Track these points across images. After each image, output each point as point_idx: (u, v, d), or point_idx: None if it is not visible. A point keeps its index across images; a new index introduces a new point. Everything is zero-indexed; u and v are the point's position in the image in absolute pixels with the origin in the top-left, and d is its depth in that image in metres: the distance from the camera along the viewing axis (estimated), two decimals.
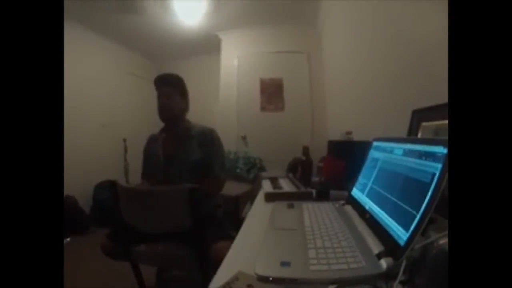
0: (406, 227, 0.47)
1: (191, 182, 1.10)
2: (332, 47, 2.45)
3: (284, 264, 0.50)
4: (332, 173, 1.17)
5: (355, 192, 0.83)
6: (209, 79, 4.04)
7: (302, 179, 1.33)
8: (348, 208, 0.82)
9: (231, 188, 2.72)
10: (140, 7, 2.74)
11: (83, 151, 3.19)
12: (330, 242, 0.57)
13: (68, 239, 2.54)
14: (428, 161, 0.49)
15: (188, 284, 1.63)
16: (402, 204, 0.52)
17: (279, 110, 3.34)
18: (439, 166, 0.45)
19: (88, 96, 3.31)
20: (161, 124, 1.49)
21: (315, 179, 1.35)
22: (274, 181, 1.37)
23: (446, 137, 0.41)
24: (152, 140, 1.51)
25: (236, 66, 3.48)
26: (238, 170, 3.25)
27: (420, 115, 0.88)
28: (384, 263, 0.46)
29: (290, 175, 1.46)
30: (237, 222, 1.95)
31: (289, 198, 1.04)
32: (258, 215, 0.94)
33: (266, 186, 1.25)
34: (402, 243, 0.46)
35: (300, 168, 1.44)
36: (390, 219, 0.55)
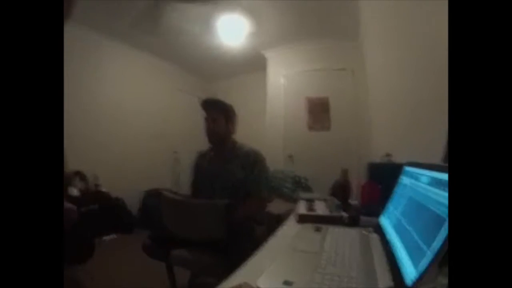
0: (416, 265, 0.44)
1: (234, 199, 1.19)
2: (374, 62, 2.36)
3: (287, 283, 0.52)
4: (367, 198, 1.12)
5: (383, 220, 0.79)
6: (256, 97, 4.18)
7: (341, 202, 1.30)
8: (374, 236, 0.78)
9: (275, 207, 2.74)
10: (187, 29, 3.02)
11: (136, 160, 3.62)
12: (340, 270, 0.57)
13: (114, 236, 2.87)
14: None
15: None
16: (417, 239, 0.49)
17: (325, 130, 3.29)
18: None
19: (142, 110, 3.79)
20: None
21: (354, 203, 1.31)
22: (310, 202, 1.36)
23: None
24: (200, 157, 1.63)
25: (283, 84, 3.56)
26: (284, 189, 3.27)
27: None
28: None
29: (329, 197, 1.43)
30: None
31: (320, 221, 1.03)
32: (285, 235, 0.96)
33: (301, 208, 1.26)
34: (409, 282, 0.44)
35: (339, 191, 1.41)
36: (405, 253, 0.52)
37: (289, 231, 1.01)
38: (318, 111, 3.35)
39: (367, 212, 1.02)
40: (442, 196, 0.48)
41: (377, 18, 1.97)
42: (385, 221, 0.77)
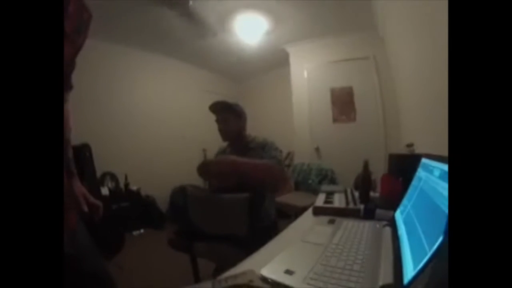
0: (416, 263, 0.43)
1: (252, 192, 1.23)
2: (395, 48, 2.22)
3: (288, 271, 0.54)
4: (386, 191, 1.09)
5: (397, 214, 0.77)
6: (282, 92, 4.17)
7: (361, 195, 1.27)
8: (387, 230, 0.76)
9: (301, 199, 2.75)
10: (208, 31, 3.09)
11: (166, 159, 3.84)
12: (344, 263, 0.57)
13: (142, 230, 3.07)
14: None
15: None
16: (422, 237, 0.48)
17: (351, 121, 3.18)
18: None
19: (171, 112, 3.98)
20: None
21: (375, 195, 1.27)
22: (329, 195, 1.35)
23: None
24: (220, 152, 1.73)
25: (306, 77, 3.50)
26: (310, 182, 3.25)
27: None
28: None
29: (349, 189, 1.41)
30: None
31: (335, 213, 1.03)
32: (299, 227, 0.98)
33: (319, 200, 1.25)
34: (406, 280, 0.43)
35: (360, 183, 1.37)
36: (409, 250, 0.51)
37: (304, 223, 1.03)
38: (343, 102, 3.24)
39: (386, 205, 0.99)
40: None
41: (396, 7, 1.86)
42: (399, 215, 0.74)
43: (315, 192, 3.01)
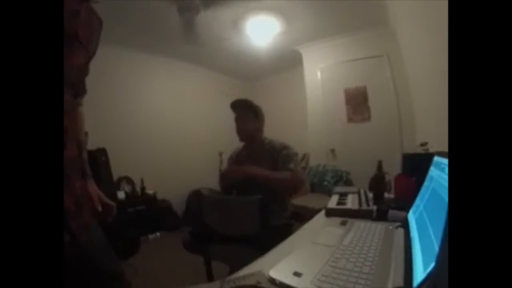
0: (426, 266, 0.42)
1: (265, 195, 1.23)
2: (409, 44, 2.16)
3: (296, 273, 0.54)
4: (400, 191, 1.06)
5: (410, 215, 0.75)
6: (296, 93, 4.16)
7: (375, 196, 1.24)
8: (400, 232, 0.74)
9: (316, 201, 2.72)
10: (219, 35, 3.14)
11: (183, 163, 3.89)
12: (353, 265, 0.56)
13: (158, 234, 3.12)
14: None
15: None
16: (433, 238, 0.46)
17: (365, 121, 3.12)
18: None
19: (187, 115, 4.05)
20: None
21: (389, 196, 1.24)
22: (342, 196, 1.33)
23: None
24: (235, 154, 1.73)
25: (320, 78, 3.47)
26: (325, 183, 3.21)
27: None
28: None
29: (362, 191, 1.38)
30: None
31: (347, 215, 1.01)
32: (311, 228, 0.97)
33: (332, 201, 1.24)
34: (415, 284, 0.42)
35: (374, 184, 1.34)
36: (420, 252, 0.49)
37: (316, 224, 1.02)
38: (357, 102, 3.19)
39: (400, 206, 0.96)
40: None
41: (407, 2, 1.82)
42: (412, 216, 0.72)
43: (331, 194, 2.98)
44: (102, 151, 2.60)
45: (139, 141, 3.44)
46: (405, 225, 0.75)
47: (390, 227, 0.79)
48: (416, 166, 1.08)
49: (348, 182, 3.04)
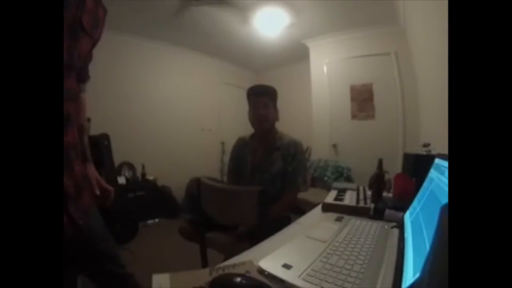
0: (416, 270, 0.41)
1: (271, 190, 1.21)
2: (418, 44, 2.12)
3: (286, 266, 0.54)
4: (399, 191, 1.05)
5: (406, 216, 0.74)
6: (302, 86, 4.11)
7: (373, 194, 1.23)
8: (395, 232, 0.74)
9: (315, 195, 2.72)
10: (227, 25, 3.11)
11: (184, 150, 3.91)
12: (344, 262, 0.56)
13: (157, 220, 3.17)
14: None
15: None
16: (426, 241, 0.45)
17: (370, 118, 3.08)
18: None
19: (190, 104, 4.03)
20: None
21: (388, 195, 1.23)
22: (341, 192, 1.32)
23: None
24: (242, 144, 1.60)
25: (326, 73, 3.43)
26: (325, 178, 3.21)
27: None
28: None
29: (361, 188, 1.37)
30: None
31: (345, 211, 1.01)
32: (307, 222, 0.97)
33: (329, 196, 1.23)
34: (404, 287, 0.42)
35: (374, 182, 1.33)
36: (412, 255, 0.49)
37: (312, 218, 1.02)
38: (362, 99, 3.15)
39: (397, 206, 0.96)
40: None
41: (417, 1, 1.76)
42: (408, 217, 0.72)
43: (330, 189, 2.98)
44: (105, 136, 2.61)
45: (142, 127, 3.46)
46: (401, 226, 0.74)
47: (386, 227, 0.79)
48: (417, 166, 1.08)
49: (349, 179, 3.04)
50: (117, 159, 2.89)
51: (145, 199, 3.09)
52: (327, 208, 1.07)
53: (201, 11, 2.75)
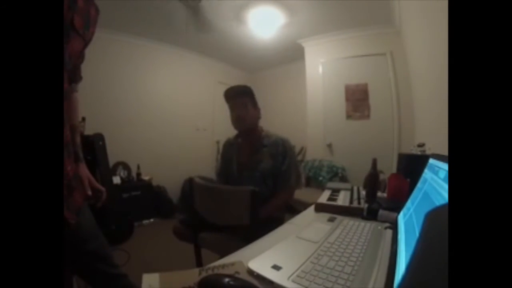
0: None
1: (261, 188, 1.20)
2: (413, 45, 2.12)
3: (275, 267, 0.53)
4: (393, 191, 1.04)
5: (400, 217, 0.73)
6: (297, 86, 4.11)
7: (367, 194, 1.23)
8: (389, 233, 0.73)
9: (311, 195, 2.71)
10: (222, 25, 3.09)
11: (179, 150, 3.88)
12: (335, 263, 0.55)
13: (152, 220, 3.15)
14: None
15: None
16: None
17: (365, 118, 3.08)
18: None
19: (185, 103, 4.00)
20: None
21: (382, 195, 1.23)
22: (334, 192, 1.32)
23: None
24: (228, 145, 1.63)
25: (321, 73, 3.42)
26: (320, 178, 3.21)
27: None
28: None
29: (355, 188, 1.37)
30: None
31: (338, 211, 1.00)
32: (299, 222, 0.96)
33: (323, 197, 1.23)
34: None
35: (368, 182, 1.33)
36: (404, 256, 0.48)
37: (304, 219, 1.00)
38: (357, 99, 3.15)
39: (391, 206, 0.95)
40: None
41: (414, 1, 1.76)
42: (401, 218, 0.71)
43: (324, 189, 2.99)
44: (99, 136, 2.58)
45: (137, 127, 3.43)
46: (395, 226, 0.73)
47: (379, 228, 0.78)
48: (412, 167, 1.07)
49: (344, 178, 3.04)
50: (112, 159, 2.86)
51: (140, 199, 3.06)
52: (320, 208, 1.06)
53: (196, 10, 2.73)
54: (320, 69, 3.43)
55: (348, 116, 3.21)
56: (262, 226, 1.18)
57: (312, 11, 2.75)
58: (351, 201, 1.09)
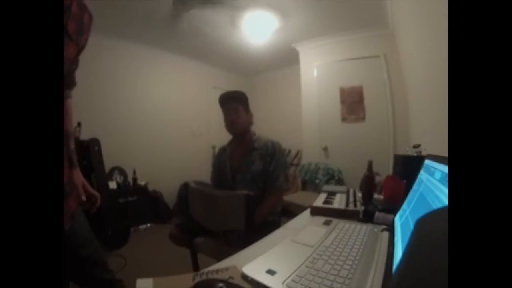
0: None
1: (253, 191, 1.20)
2: (407, 46, 2.14)
3: (270, 271, 0.52)
4: (389, 193, 1.04)
5: (396, 219, 0.73)
6: (292, 90, 4.14)
7: (364, 196, 1.23)
8: (385, 235, 0.72)
9: (307, 199, 2.71)
10: (215, 30, 3.09)
11: (175, 155, 3.88)
12: (331, 267, 0.54)
13: (148, 225, 3.13)
14: None
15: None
16: None
17: (360, 121, 3.10)
18: None
19: (181, 108, 4.00)
20: None
21: (378, 198, 1.23)
22: (330, 195, 1.31)
23: None
24: (221, 150, 1.67)
25: (315, 76, 3.44)
26: (317, 181, 3.21)
27: None
28: None
29: (351, 190, 1.36)
30: None
31: (334, 214, 0.99)
32: (294, 226, 0.95)
33: (318, 200, 1.22)
34: None
35: (363, 184, 1.32)
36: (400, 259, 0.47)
37: (300, 222, 1.00)
38: (352, 101, 3.16)
39: (387, 208, 0.94)
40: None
41: (406, 3, 1.78)
42: (398, 220, 0.70)
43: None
44: (95, 141, 2.56)
45: (133, 132, 3.41)
46: (391, 229, 0.72)
47: (375, 230, 0.77)
48: (407, 168, 1.07)
49: (340, 181, 3.04)
50: (108, 164, 2.84)
51: (136, 204, 3.04)
52: (315, 211, 1.05)
53: (191, 16, 2.74)
54: (315, 73, 3.45)
55: (344, 119, 3.23)
56: (258, 230, 1.18)
57: (306, 15, 2.77)
58: (347, 204, 1.08)
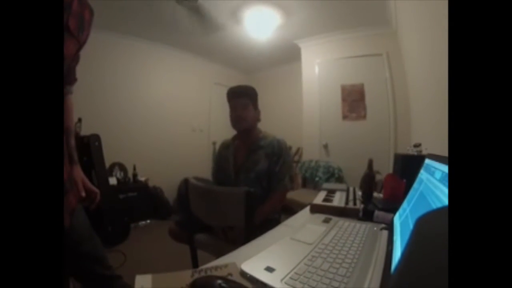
0: None
1: (256, 189, 1.20)
2: (409, 45, 2.13)
3: (268, 269, 0.52)
4: (389, 192, 1.04)
5: (396, 218, 0.72)
6: (293, 87, 4.13)
7: (363, 195, 1.22)
8: (384, 234, 0.72)
9: (307, 196, 2.72)
10: (217, 26, 3.08)
11: (176, 151, 3.88)
12: (329, 265, 0.54)
13: (148, 221, 3.14)
14: None
15: None
16: None
17: (361, 119, 3.09)
18: None
19: (181, 104, 3.99)
20: None
21: (378, 196, 1.22)
22: (330, 193, 1.31)
23: None
24: (224, 146, 1.62)
25: (317, 73, 3.43)
26: (317, 179, 3.21)
27: None
28: None
29: (351, 188, 1.36)
30: None
31: (334, 212, 0.99)
32: (294, 224, 0.95)
33: (318, 197, 1.22)
34: None
35: (364, 183, 1.32)
36: (398, 258, 0.47)
37: (299, 220, 1.00)
38: (353, 99, 3.15)
39: (387, 207, 0.94)
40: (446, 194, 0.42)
41: (410, 3, 1.77)
42: (397, 219, 0.70)
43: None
44: (95, 137, 2.56)
45: (133, 127, 3.41)
46: (390, 228, 0.72)
47: (375, 229, 0.77)
48: (408, 167, 1.06)
49: (340, 179, 3.04)
50: (108, 159, 2.84)
51: (136, 200, 3.04)
52: (315, 209, 1.05)
53: (193, 12, 2.72)
54: (317, 70, 3.43)
55: (344, 117, 3.22)
56: (258, 227, 1.18)
57: (309, 11, 2.75)
58: (346, 202, 1.08)
